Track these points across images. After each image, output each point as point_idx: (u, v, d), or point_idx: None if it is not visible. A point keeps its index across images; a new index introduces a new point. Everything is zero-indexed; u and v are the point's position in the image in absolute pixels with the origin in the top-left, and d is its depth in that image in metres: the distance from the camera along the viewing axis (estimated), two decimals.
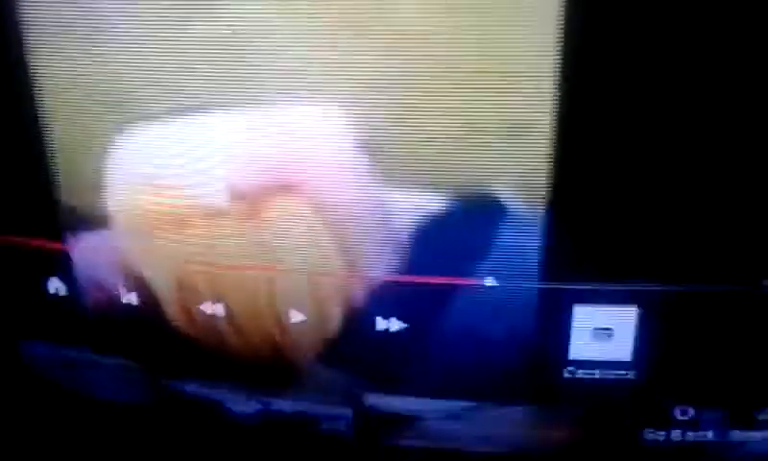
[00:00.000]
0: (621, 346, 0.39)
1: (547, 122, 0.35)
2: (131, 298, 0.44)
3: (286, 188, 0.39)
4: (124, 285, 0.43)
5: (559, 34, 0.33)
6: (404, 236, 0.39)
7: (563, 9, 0.33)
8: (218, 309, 0.43)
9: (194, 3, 0.36)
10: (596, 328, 0.39)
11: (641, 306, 0.38)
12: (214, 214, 0.40)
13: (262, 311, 0.42)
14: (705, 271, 0.37)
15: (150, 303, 0.43)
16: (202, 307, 0.43)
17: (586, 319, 0.39)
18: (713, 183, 0.35)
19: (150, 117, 0.39)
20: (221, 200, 0.39)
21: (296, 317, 0.42)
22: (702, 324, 0.38)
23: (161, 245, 0.42)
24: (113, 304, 0.44)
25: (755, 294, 0.37)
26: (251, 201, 0.39)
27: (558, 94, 0.34)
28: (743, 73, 0.33)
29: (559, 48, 0.33)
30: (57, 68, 0.39)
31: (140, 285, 0.43)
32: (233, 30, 0.36)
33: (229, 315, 0.43)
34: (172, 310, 0.43)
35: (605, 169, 0.36)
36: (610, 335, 0.39)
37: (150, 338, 0.45)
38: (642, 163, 0.35)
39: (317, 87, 0.36)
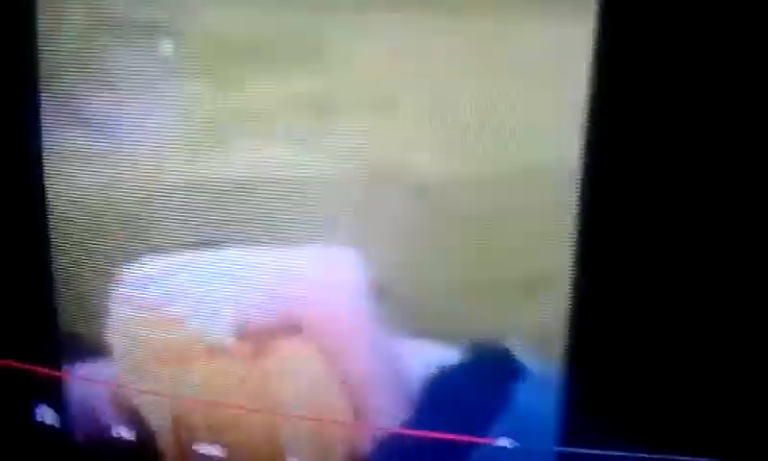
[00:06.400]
0: None
1: (566, 277, 0.34)
2: (124, 432, 0.42)
3: (293, 330, 0.38)
4: (118, 418, 0.42)
5: (578, 196, 0.33)
6: (415, 388, 0.37)
7: (581, 172, 0.33)
8: (214, 450, 0.41)
9: (208, 142, 0.36)
10: None
11: None
12: (217, 352, 0.39)
13: (261, 456, 0.40)
14: (730, 444, 0.35)
15: (143, 439, 0.41)
16: (197, 447, 0.41)
17: None
18: (744, 349, 0.34)
19: (158, 249, 0.38)
20: (225, 338, 0.38)
21: None
22: None
23: (160, 379, 0.40)
24: (105, 437, 0.42)
25: None
26: (256, 341, 0.38)
27: (576, 250, 0.34)
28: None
29: (578, 208, 0.33)
30: (69, 194, 0.39)
31: (135, 419, 0.41)
32: (249, 171, 0.36)
33: (226, 458, 0.40)
34: (166, 448, 0.41)
35: (625, 328, 0.35)
36: None
37: None
38: (664, 323, 0.34)
39: (331, 231, 0.36)
